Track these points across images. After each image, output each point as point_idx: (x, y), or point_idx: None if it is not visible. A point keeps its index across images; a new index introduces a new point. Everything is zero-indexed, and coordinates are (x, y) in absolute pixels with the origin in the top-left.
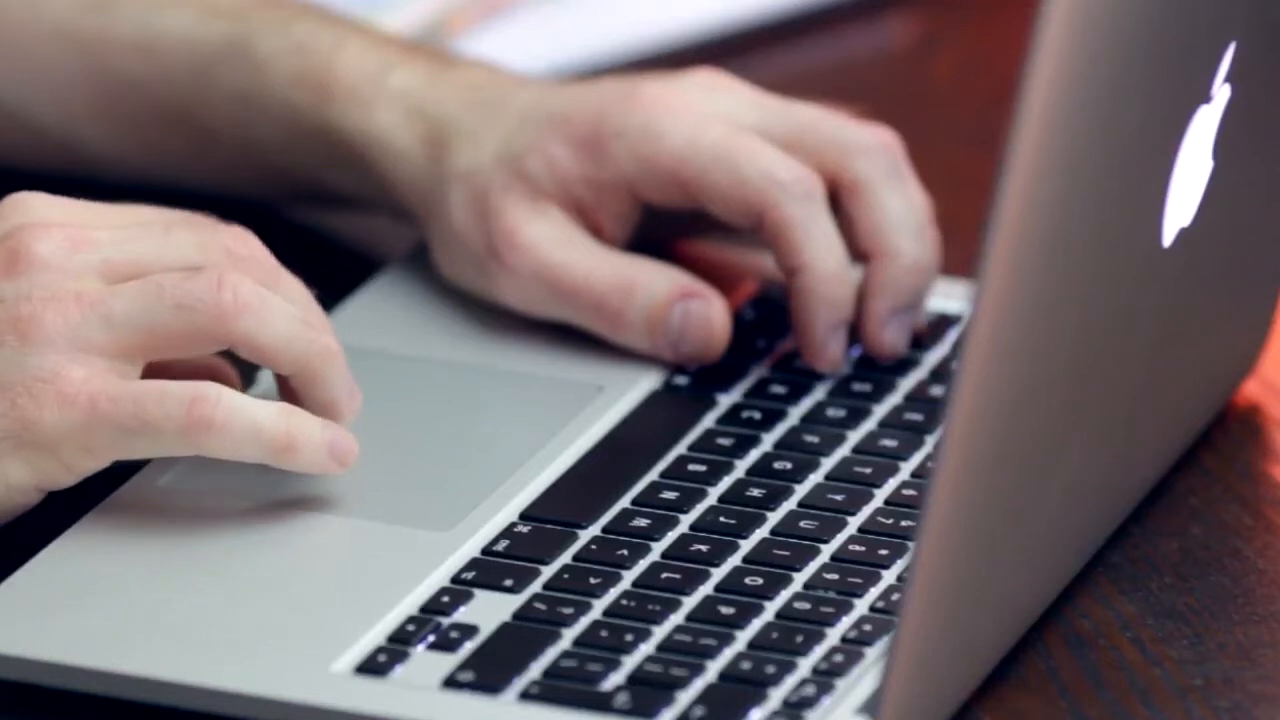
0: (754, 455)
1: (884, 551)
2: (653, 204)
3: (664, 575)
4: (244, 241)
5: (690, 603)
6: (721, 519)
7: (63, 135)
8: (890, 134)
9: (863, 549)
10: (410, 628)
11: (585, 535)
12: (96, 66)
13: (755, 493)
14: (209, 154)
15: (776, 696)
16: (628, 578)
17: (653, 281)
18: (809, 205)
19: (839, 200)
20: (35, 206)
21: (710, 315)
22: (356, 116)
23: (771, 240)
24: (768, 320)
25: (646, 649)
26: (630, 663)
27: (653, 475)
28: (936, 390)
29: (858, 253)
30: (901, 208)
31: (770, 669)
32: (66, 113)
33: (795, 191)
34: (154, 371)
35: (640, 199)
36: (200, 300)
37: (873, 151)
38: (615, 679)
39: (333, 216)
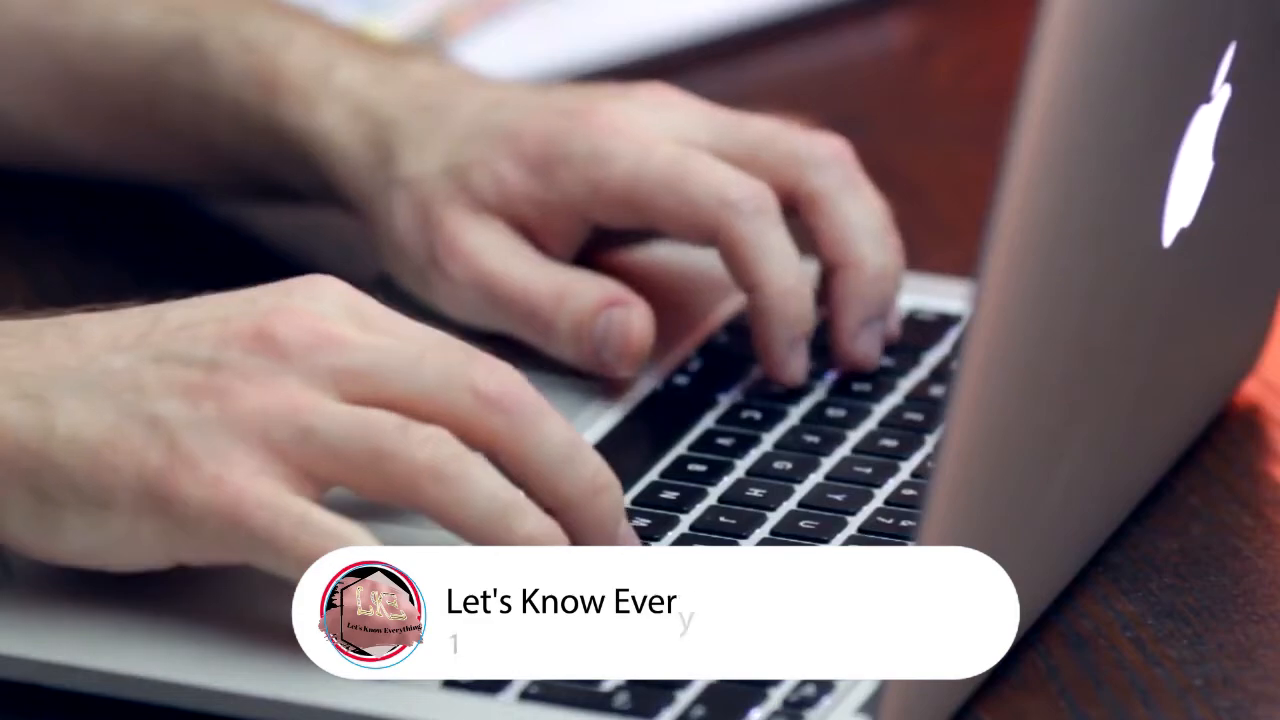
0: (754, 455)
1: None
2: (604, 226)
3: None
4: (498, 377)
5: None
6: (721, 519)
7: (33, 133)
8: (842, 143)
9: None
10: None
11: None
12: (60, 64)
13: (755, 493)
14: (169, 150)
15: (776, 696)
16: None
17: (584, 291)
18: (760, 221)
19: (799, 214)
20: (320, 293)
21: (629, 321)
22: (301, 114)
23: (726, 260)
24: None
25: None
26: None
27: (653, 475)
28: (936, 390)
29: (821, 265)
30: (861, 215)
31: None
32: (35, 111)
33: (746, 209)
34: None
35: (589, 220)
36: (393, 454)
37: (828, 163)
38: (615, 679)
39: (333, 216)
